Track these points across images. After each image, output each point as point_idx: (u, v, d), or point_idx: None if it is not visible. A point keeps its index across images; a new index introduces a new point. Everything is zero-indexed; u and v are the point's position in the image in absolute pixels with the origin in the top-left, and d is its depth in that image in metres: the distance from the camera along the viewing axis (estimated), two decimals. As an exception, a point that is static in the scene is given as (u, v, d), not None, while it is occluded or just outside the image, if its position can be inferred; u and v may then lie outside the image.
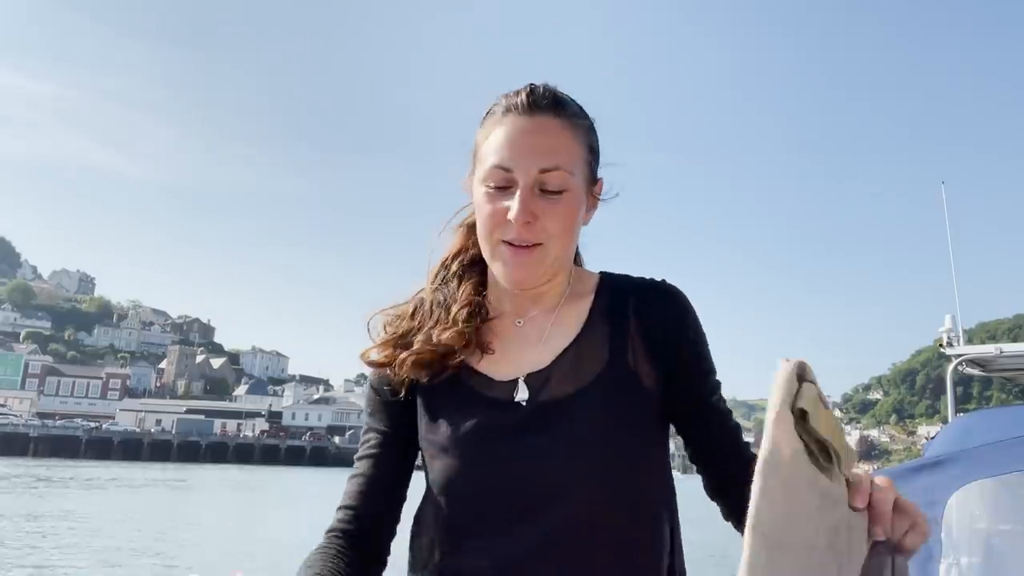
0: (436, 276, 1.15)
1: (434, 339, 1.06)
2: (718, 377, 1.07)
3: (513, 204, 0.99)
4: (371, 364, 1.09)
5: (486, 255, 1.06)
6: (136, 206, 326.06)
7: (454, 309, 1.08)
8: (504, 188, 1.01)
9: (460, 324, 1.06)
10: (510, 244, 1.01)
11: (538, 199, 1.00)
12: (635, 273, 1.15)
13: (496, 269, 1.05)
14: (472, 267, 1.14)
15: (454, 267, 1.15)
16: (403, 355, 1.06)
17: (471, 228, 1.13)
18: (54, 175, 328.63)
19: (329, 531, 1.06)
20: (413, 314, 1.11)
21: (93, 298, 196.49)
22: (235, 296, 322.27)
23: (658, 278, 1.11)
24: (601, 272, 1.16)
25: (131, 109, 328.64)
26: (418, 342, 1.06)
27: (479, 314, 1.09)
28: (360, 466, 1.10)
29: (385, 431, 1.11)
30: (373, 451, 1.10)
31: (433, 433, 1.05)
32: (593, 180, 1.08)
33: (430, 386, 1.07)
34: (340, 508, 1.09)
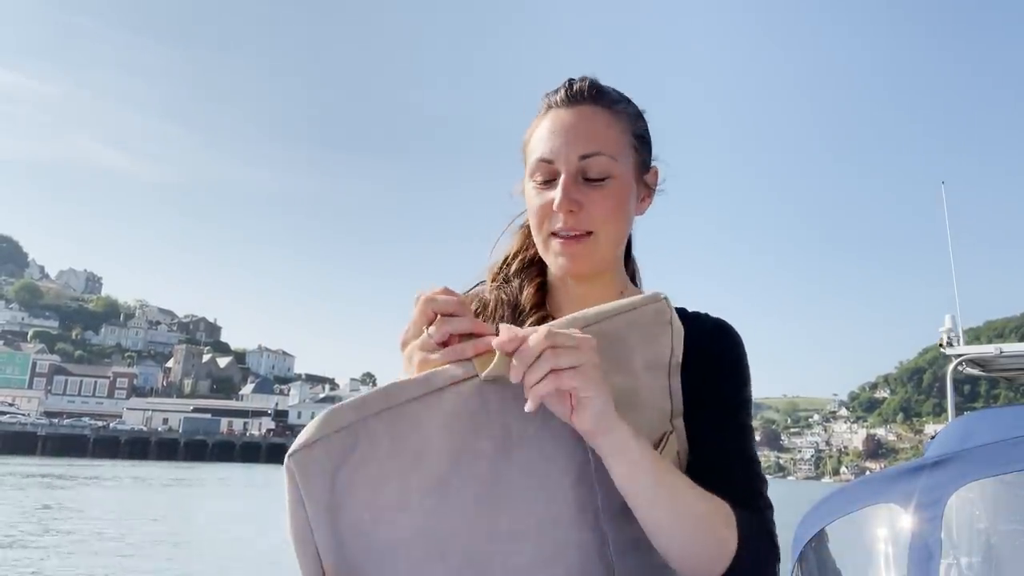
0: (498, 275, 1.16)
1: None
2: (746, 424, 1.01)
3: (556, 194, 1.00)
4: None
5: (540, 249, 1.07)
6: (143, 206, 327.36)
7: (530, 319, 1.08)
8: (550, 181, 1.02)
9: None
10: (559, 236, 1.02)
11: (581, 187, 1.00)
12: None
13: (549, 261, 1.06)
14: (531, 267, 1.15)
15: (514, 266, 1.15)
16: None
17: (527, 230, 1.16)
18: (62, 175, 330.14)
19: None
20: (475, 312, 1.11)
21: (100, 298, 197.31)
22: (241, 295, 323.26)
23: (713, 315, 1.08)
24: None
25: (139, 110, 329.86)
26: None
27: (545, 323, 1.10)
28: None
29: None
30: None
31: None
32: (645, 168, 1.08)
33: None
34: None
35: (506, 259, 1.17)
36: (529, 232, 1.15)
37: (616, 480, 0.80)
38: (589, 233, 1.01)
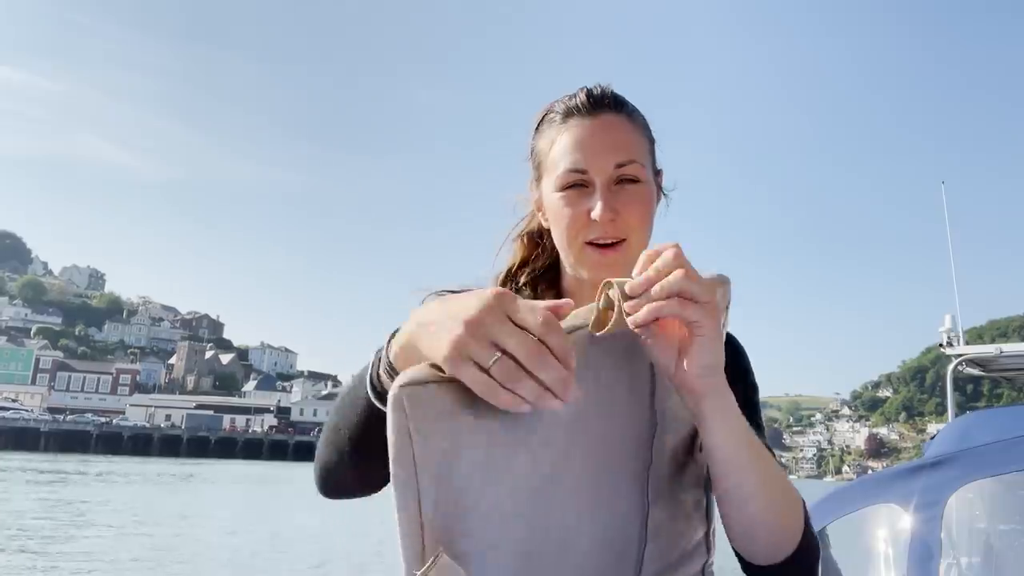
0: (506, 285, 1.14)
1: None
2: (762, 425, 1.04)
3: (595, 203, 0.98)
4: None
5: (570, 259, 1.05)
6: (146, 203, 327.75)
7: None
8: (581, 190, 1.01)
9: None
10: (596, 244, 1.01)
11: (617, 194, 1.00)
12: None
13: (583, 272, 1.04)
14: (544, 277, 1.15)
15: (522, 278, 1.14)
16: None
17: (531, 238, 1.16)
18: (65, 172, 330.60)
19: None
20: None
21: (103, 294, 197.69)
22: (244, 292, 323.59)
23: None
24: None
25: (143, 107, 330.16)
26: None
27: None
28: None
29: None
30: None
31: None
32: (656, 171, 1.10)
33: None
34: None
35: (510, 269, 1.16)
36: (531, 241, 1.15)
37: (714, 441, 0.79)
38: (623, 240, 1.01)
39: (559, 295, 1.12)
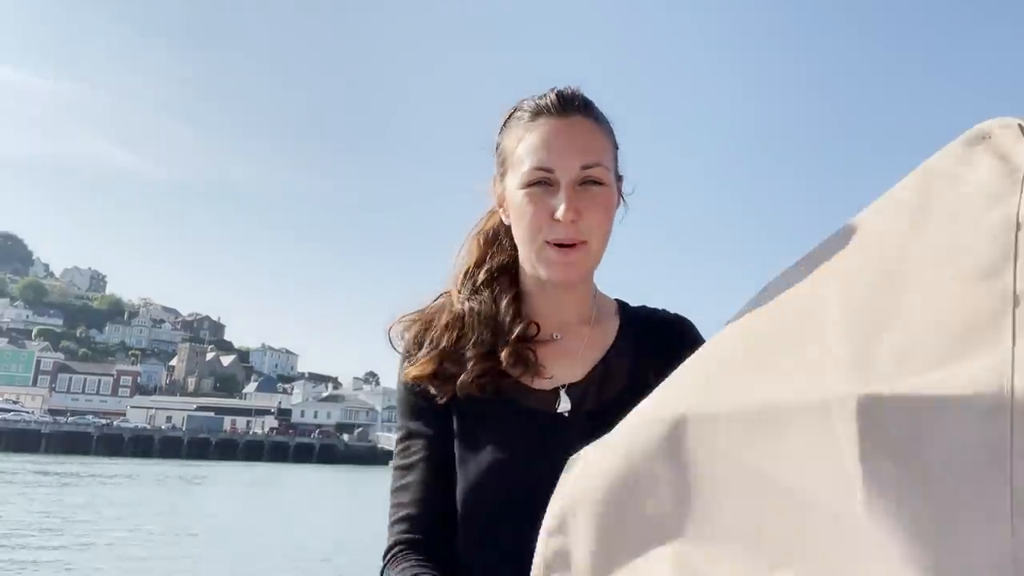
0: (463, 286, 1.14)
1: (503, 362, 1.06)
2: None
3: (559, 203, 1.00)
4: (417, 379, 1.08)
5: (529, 257, 1.06)
6: (148, 204, 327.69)
7: (516, 330, 1.08)
8: (545, 188, 1.02)
9: (522, 347, 1.08)
10: (556, 244, 1.02)
11: (581, 196, 1.01)
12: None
13: (541, 270, 1.05)
14: (502, 276, 1.14)
15: (481, 276, 1.14)
16: (464, 377, 1.05)
17: (487, 237, 1.17)
18: (67, 173, 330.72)
19: (396, 545, 1.04)
20: (447, 325, 1.10)
21: (104, 296, 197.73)
22: (245, 294, 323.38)
23: (671, 311, 1.18)
24: (617, 299, 1.20)
25: (145, 108, 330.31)
26: (473, 363, 1.06)
27: (534, 335, 1.10)
28: (411, 474, 1.08)
29: (430, 435, 1.09)
30: (421, 455, 1.08)
31: (472, 438, 1.06)
32: (619, 177, 1.11)
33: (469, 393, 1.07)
34: (400, 520, 1.05)
35: (468, 270, 1.16)
36: (488, 241, 1.16)
37: None
38: (584, 242, 1.03)
39: (518, 295, 1.12)
